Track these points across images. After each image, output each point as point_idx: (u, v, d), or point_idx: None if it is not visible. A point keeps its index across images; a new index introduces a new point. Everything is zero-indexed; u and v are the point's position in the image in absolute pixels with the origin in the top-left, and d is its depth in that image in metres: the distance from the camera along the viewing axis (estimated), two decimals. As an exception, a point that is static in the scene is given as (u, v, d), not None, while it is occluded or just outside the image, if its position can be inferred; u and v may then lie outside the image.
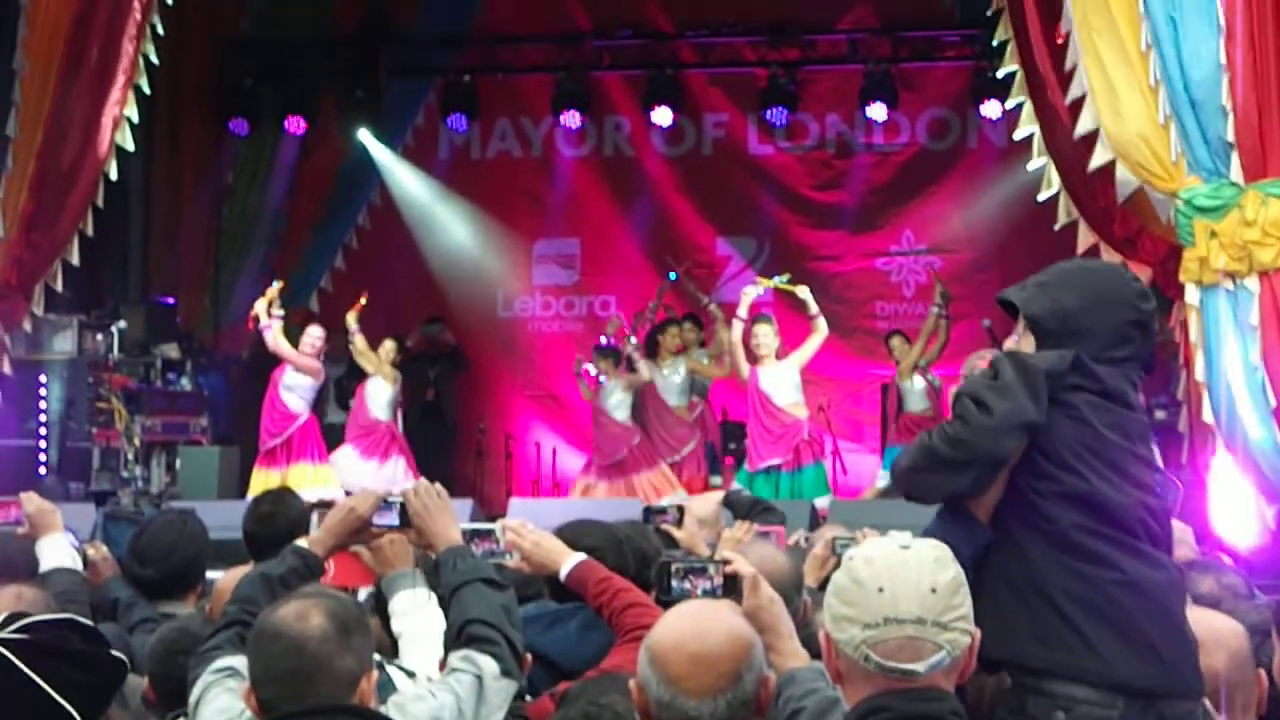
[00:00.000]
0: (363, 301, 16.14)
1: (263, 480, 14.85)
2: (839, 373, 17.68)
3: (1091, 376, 4.15)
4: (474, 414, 18.48)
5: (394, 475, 15.29)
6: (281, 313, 15.57)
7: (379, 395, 15.95)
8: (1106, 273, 4.41)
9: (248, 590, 4.30)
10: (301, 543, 4.44)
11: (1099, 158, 11.10)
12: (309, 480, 14.78)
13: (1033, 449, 4.09)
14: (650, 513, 7.02)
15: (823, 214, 19.04)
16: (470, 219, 19.61)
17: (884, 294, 18.83)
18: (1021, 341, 4.35)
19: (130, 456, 16.09)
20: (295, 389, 15.49)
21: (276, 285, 15.82)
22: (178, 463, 16.32)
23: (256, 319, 15.56)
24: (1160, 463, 4.32)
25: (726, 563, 4.05)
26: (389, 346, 16.06)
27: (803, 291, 14.48)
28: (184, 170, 19.31)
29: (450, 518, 4.49)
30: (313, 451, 15.51)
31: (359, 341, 15.89)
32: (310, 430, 15.59)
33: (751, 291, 14.70)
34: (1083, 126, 11.17)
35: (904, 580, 3.17)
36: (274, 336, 15.41)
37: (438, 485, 4.54)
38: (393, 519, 4.46)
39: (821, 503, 13.69)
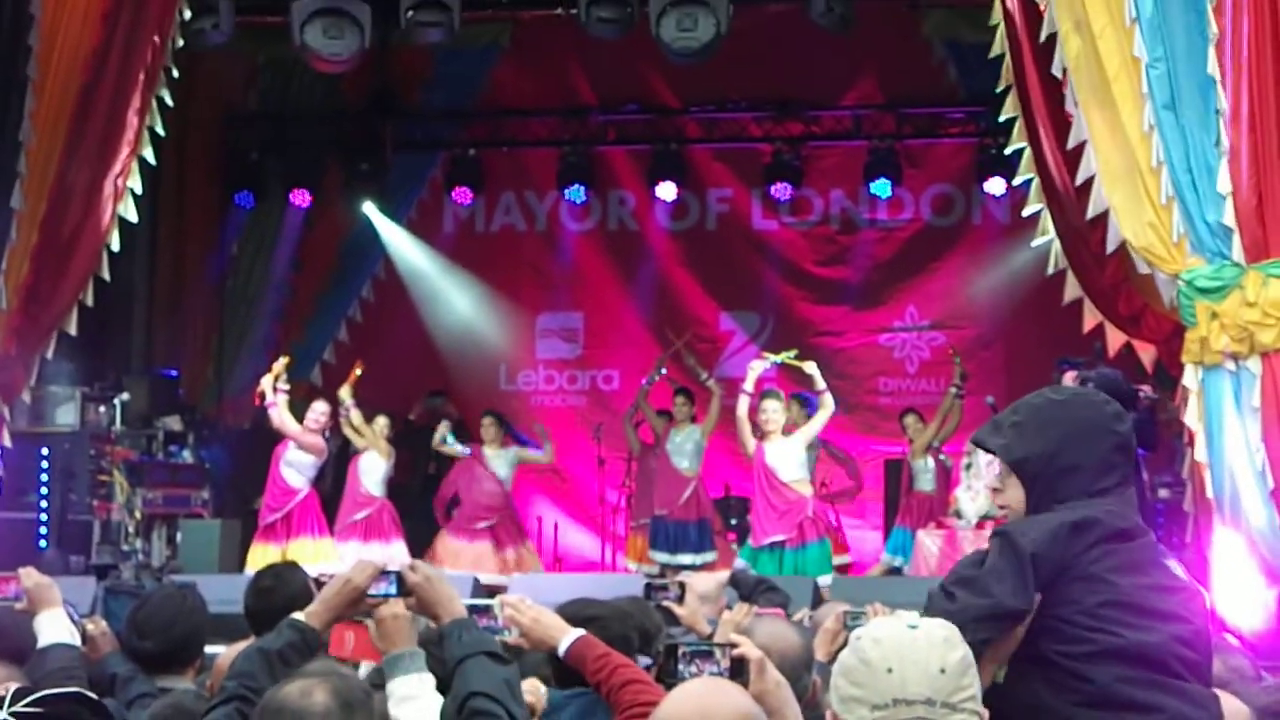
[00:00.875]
0: (357, 372, 16.06)
1: (261, 555, 14.77)
2: (842, 448, 17.63)
3: (1087, 530, 4.04)
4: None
5: (394, 556, 15.15)
6: (287, 388, 15.52)
7: (374, 471, 15.83)
8: (1079, 404, 4.27)
9: (244, 665, 4.27)
10: (298, 616, 4.40)
11: (1113, 240, 11.11)
12: (310, 555, 14.67)
13: (1051, 618, 3.97)
14: (652, 589, 7.00)
15: (826, 289, 19.07)
16: (474, 292, 19.64)
17: (887, 370, 18.83)
18: (1007, 486, 4.23)
19: (131, 529, 16.05)
20: (295, 464, 15.42)
21: (282, 361, 15.75)
22: (179, 536, 16.29)
23: (262, 395, 15.50)
24: (1181, 574, 4.15)
25: (734, 646, 4.02)
26: (383, 422, 15.96)
27: (810, 367, 14.46)
28: (189, 242, 19.40)
29: (452, 589, 4.48)
30: (313, 526, 15.42)
31: (355, 416, 15.79)
32: (310, 505, 15.50)
33: (758, 366, 14.70)
34: (1094, 208, 11.18)
35: (913, 661, 3.14)
36: (279, 414, 15.33)
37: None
38: (389, 588, 4.43)
39: (824, 580, 13.66)
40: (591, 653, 4.79)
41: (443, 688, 4.37)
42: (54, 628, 5.61)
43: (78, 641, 5.73)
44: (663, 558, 15.67)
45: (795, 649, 5.11)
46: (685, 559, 15.49)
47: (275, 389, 15.37)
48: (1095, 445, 4.15)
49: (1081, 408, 4.23)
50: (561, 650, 4.83)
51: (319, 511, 15.55)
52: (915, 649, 3.15)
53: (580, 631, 4.85)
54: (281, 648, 4.28)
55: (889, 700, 3.12)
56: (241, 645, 5.70)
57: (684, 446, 15.99)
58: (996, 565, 3.99)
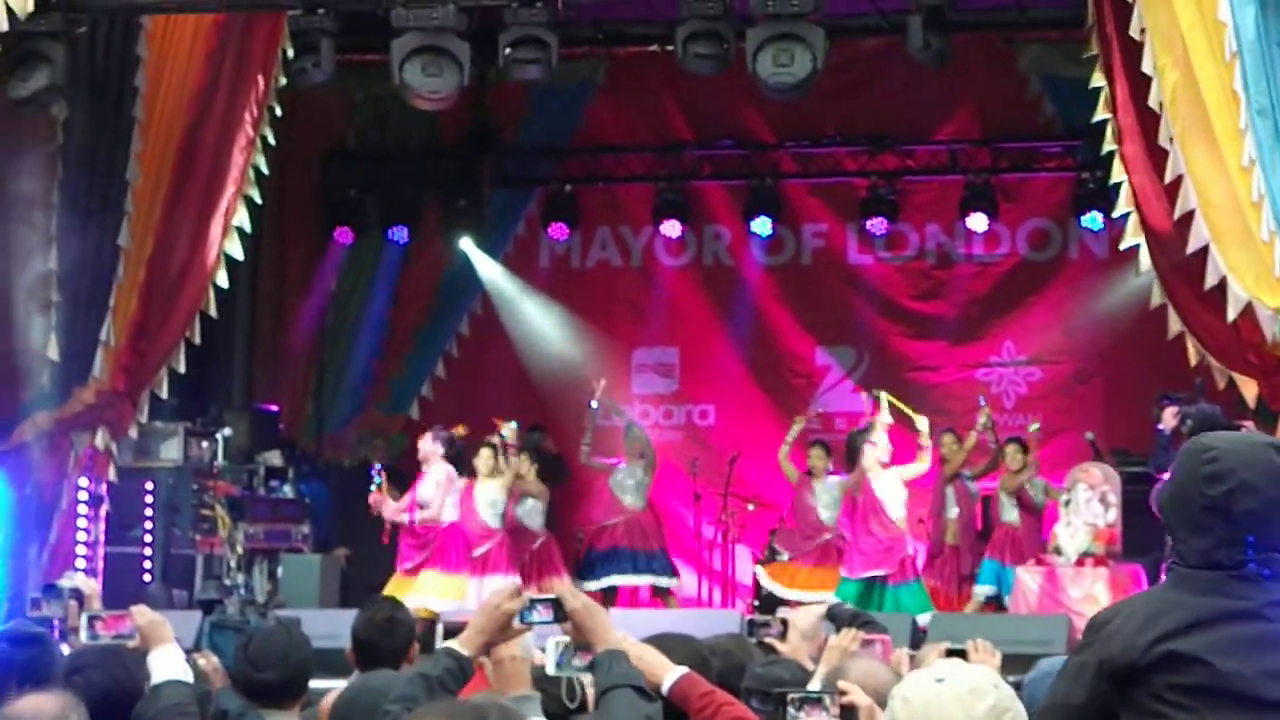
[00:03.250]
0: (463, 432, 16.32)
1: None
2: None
3: (1176, 608, 3.86)
4: (572, 523, 18.46)
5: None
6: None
7: (495, 504, 16.05)
8: (1188, 454, 4.00)
9: (408, 689, 4.41)
10: (453, 644, 4.52)
11: (1213, 275, 11.03)
12: (440, 590, 15.02)
13: (1138, 691, 3.83)
14: (754, 626, 7.02)
15: (922, 324, 19.00)
16: (570, 328, 19.70)
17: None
18: None
19: (233, 564, 16.19)
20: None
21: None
22: (279, 571, 16.42)
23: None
24: None
25: (843, 693, 4.04)
26: (486, 454, 16.12)
27: (921, 423, 14.59)
28: (289, 278, 19.62)
29: (608, 620, 4.56)
30: (451, 561, 15.66)
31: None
32: (455, 538, 15.76)
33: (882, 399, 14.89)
34: (1194, 242, 11.11)
35: (938, 717, 3.13)
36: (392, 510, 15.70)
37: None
38: (546, 615, 4.50)
39: (923, 618, 13.63)
40: (695, 690, 4.81)
41: None
42: (167, 664, 5.65)
43: (190, 678, 5.79)
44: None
45: (889, 686, 5.12)
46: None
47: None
48: (1185, 505, 3.94)
49: (1186, 458, 4.00)
50: (665, 688, 4.85)
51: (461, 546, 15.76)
52: (940, 704, 3.15)
53: (684, 669, 4.87)
54: (441, 675, 4.41)
55: None
56: (345, 686, 5.80)
57: (822, 497, 16.06)
58: (1067, 664, 3.99)
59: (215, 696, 6.06)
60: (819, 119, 18.56)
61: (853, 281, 19.29)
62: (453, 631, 4.94)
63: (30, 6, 11.66)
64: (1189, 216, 11.18)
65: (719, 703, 4.77)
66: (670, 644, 5.21)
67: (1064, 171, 18.42)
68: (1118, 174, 12.34)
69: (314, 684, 6.21)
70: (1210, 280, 11.12)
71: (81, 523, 14.37)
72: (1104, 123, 12.48)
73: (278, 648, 6.02)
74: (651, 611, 16.02)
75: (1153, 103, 11.32)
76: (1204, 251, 11.13)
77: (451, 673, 4.43)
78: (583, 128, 19.62)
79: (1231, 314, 11.08)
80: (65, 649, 6.47)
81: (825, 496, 15.95)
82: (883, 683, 5.02)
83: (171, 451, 16.27)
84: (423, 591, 15.04)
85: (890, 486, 14.35)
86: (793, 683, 5.42)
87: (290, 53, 13.61)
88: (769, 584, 15.87)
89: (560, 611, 4.49)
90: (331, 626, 10.11)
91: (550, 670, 4.62)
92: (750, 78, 13.17)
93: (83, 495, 14.25)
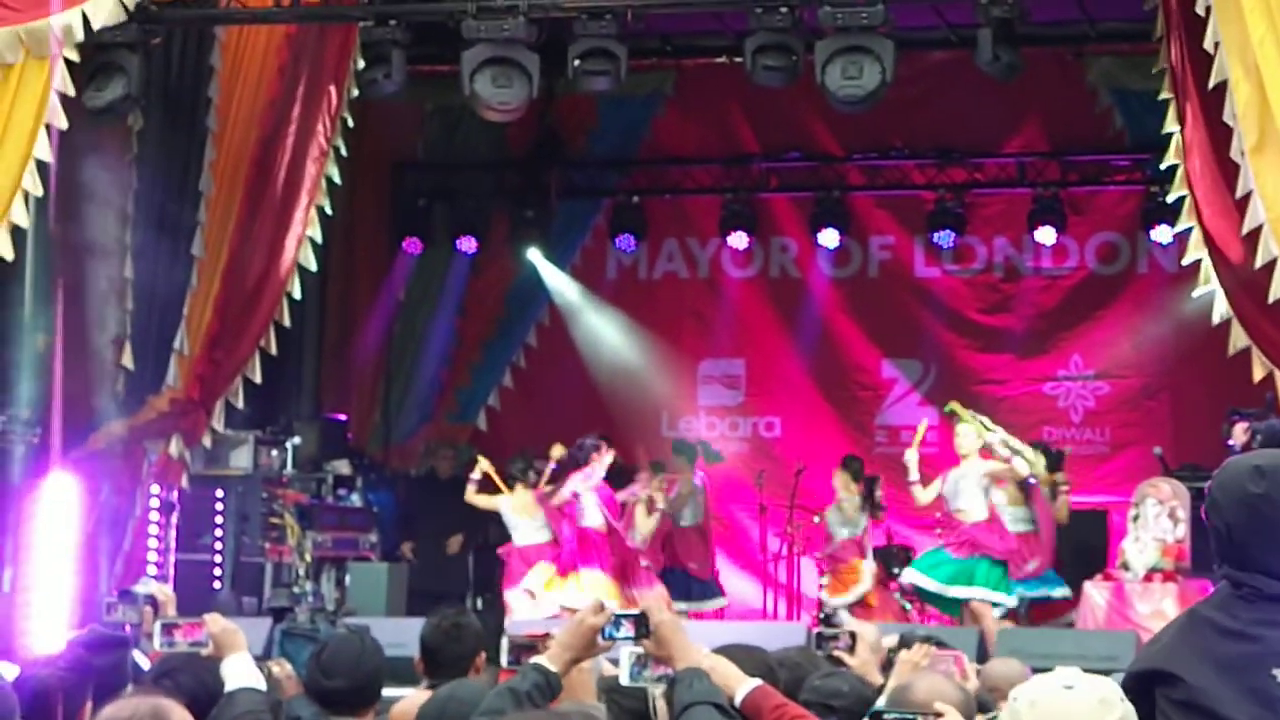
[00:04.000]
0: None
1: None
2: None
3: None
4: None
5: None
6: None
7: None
8: None
9: (496, 702, 4.51)
10: (541, 659, 4.58)
11: (1277, 290, 10.98)
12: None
13: (1152, 703, 3.84)
14: (822, 638, 7.04)
15: (989, 337, 18.94)
16: (637, 339, 19.73)
17: (1051, 419, 18.59)
18: None
19: (301, 572, 16.30)
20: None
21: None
22: (347, 579, 16.52)
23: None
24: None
25: (938, 714, 4.06)
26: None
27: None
28: (357, 288, 19.73)
29: (688, 636, 4.62)
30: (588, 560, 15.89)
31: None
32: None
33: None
34: (1262, 257, 11.06)
35: None
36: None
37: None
38: (628, 631, 4.55)
39: (990, 627, 13.64)
40: (767, 703, 4.84)
41: None
42: (240, 672, 5.71)
43: (263, 685, 5.85)
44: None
45: (956, 704, 5.12)
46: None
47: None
48: None
49: None
50: (739, 699, 4.88)
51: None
52: (1071, 712, 3.17)
53: (757, 681, 4.90)
54: (529, 689, 4.51)
55: None
56: (415, 694, 5.85)
57: (834, 516, 16.12)
58: None
59: (288, 704, 6.12)
60: (886, 131, 18.53)
61: (920, 294, 19.25)
62: (517, 646, 4.99)
63: (111, 18, 11.84)
64: (1257, 231, 11.13)
65: (791, 715, 4.80)
66: (738, 655, 5.24)
67: (1133, 185, 18.32)
68: (1179, 188, 12.27)
69: (387, 692, 6.27)
70: (1275, 294, 11.06)
71: (153, 530, 14.55)
72: (1170, 135, 12.42)
73: (350, 656, 6.08)
74: (716, 624, 16.04)
75: (1227, 117, 11.26)
76: (1271, 265, 11.08)
77: (540, 688, 4.50)
78: (650, 139, 19.66)
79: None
80: (137, 654, 6.54)
81: (839, 515, 16.02)
82: (952, 699, 5.04)
83: (242, 460, 16.38)
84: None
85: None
86: (851, 695, 5.46)
87: (361, 64, 13.71)
88: (834, 600, 15.89)
89: (643, 627, 4.54)
90: (398, 635, 10.16)
91: (624, 681, 4.66)
92: (818, 90, 13.18)
93: (154, 503, 14.40)
